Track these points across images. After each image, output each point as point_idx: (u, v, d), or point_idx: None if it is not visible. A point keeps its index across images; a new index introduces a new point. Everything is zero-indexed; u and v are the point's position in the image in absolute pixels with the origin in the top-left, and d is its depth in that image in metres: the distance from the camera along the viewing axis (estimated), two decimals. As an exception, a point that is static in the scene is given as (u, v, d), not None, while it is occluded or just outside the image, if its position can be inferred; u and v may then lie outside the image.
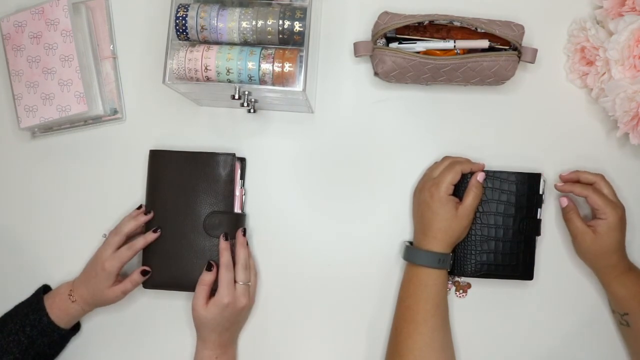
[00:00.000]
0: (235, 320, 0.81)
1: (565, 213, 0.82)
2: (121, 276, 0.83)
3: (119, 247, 0.81)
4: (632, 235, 0.84)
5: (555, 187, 0.82)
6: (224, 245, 0.81)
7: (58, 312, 0.80)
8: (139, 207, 0.84)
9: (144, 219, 0.83)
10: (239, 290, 0.80)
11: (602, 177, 0.81)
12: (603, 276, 0.80)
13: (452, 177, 0.79)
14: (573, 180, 0.82)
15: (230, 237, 0.82)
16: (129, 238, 0.83)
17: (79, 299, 0.81)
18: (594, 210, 0.79)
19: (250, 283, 0.82)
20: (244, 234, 0.83)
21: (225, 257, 0.81)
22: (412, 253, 0.80)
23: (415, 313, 0.77)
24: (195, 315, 0.79)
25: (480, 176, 0.80)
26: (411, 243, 0.83)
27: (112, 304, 0.82)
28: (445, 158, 0.83)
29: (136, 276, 0.81)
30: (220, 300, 0.78)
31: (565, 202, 0.81)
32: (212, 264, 0.81)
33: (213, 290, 0.80)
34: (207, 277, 0.80)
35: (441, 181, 0.79)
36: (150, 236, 0.82)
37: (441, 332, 0.77)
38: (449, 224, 0.78)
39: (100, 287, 0.80)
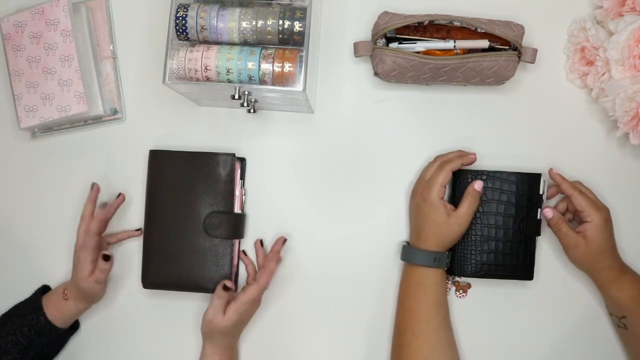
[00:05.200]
0: (247, 321, 0.82)
1: (552, 224, 0.80)
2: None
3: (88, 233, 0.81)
4: (632, 235, 0.84)
5: (550, 172, 0.82)
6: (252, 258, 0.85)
7: (54, 311, 0.80)
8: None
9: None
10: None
11: (580, 183, 0.81)
12: (599, 280, 0.80)
13: (442, 179, 0.78)
14: (558, 181, 0.81)
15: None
16: (103, 225, 0.83)
17: (70, 296, 0.81)
18: (579, 213, 0.79)
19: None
20: (284, 243, 0.84)
21: (251, 270, 0.84)
22: (409, 253, 0.80)
23: (417, 314, 0.77)
24: (212, 326, 0.78)
25: (477, 185, 0.79)
26: (408, 243, 0.83)
27: (109, 301, 0.83)
28: (437, 158, 0.82)
29: (101, 263, 0.79)
30: (239, 307, 0.78)
31: (550, 213, 0.79)
32: (229, 287, 0.78)
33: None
34: (228, 294, 0.78)
35: (432, 184, 0.78)
36: (103, 213, 0.83)
37: (445, 331, 0.77)
38: (440, 229, 0.77)
39: (77, 279, 0.80)
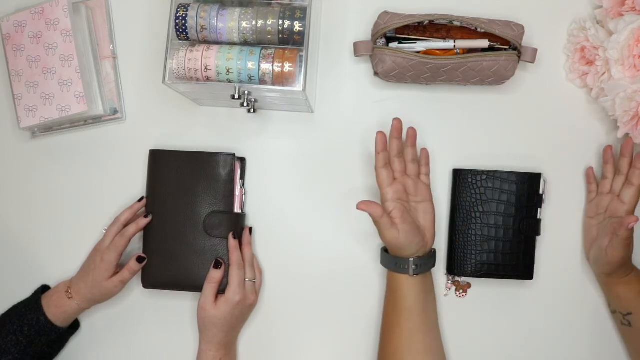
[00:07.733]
0: (242, 319, 0.82)
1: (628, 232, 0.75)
2: (119, 269, 0.83)
3: None
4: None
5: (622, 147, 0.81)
6: (233, 243, 0.81)
7: (55, 310, 0.80)
8: (140, 199, 0.85)
9: (143, 222, 0.83)
10: (248, 288, 0.81)
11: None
12: (607, 278, 0.80)
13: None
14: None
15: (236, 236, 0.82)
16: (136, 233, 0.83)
17: (76, 295, 0.80)
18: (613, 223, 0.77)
19: (255, 280, 0.82)
20: (250, 233, 0.84)
21: (235, 255, 0.81)
22: (381, 256, 0.81)
23: (391, 318, 0.77)
24: (204, 315, 0.79)
25: None
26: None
27: (109, 300, 0.82)
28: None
29: (132, 264, 0.81)
30: (231, 298, 0.78)
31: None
32: (220, 262, 0.80)
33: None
34: (216, 275, 0.80)
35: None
36: (142, 222, 0.82)
37: (421, 336, 0.75)
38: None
39: (99, 279, 0.80)
